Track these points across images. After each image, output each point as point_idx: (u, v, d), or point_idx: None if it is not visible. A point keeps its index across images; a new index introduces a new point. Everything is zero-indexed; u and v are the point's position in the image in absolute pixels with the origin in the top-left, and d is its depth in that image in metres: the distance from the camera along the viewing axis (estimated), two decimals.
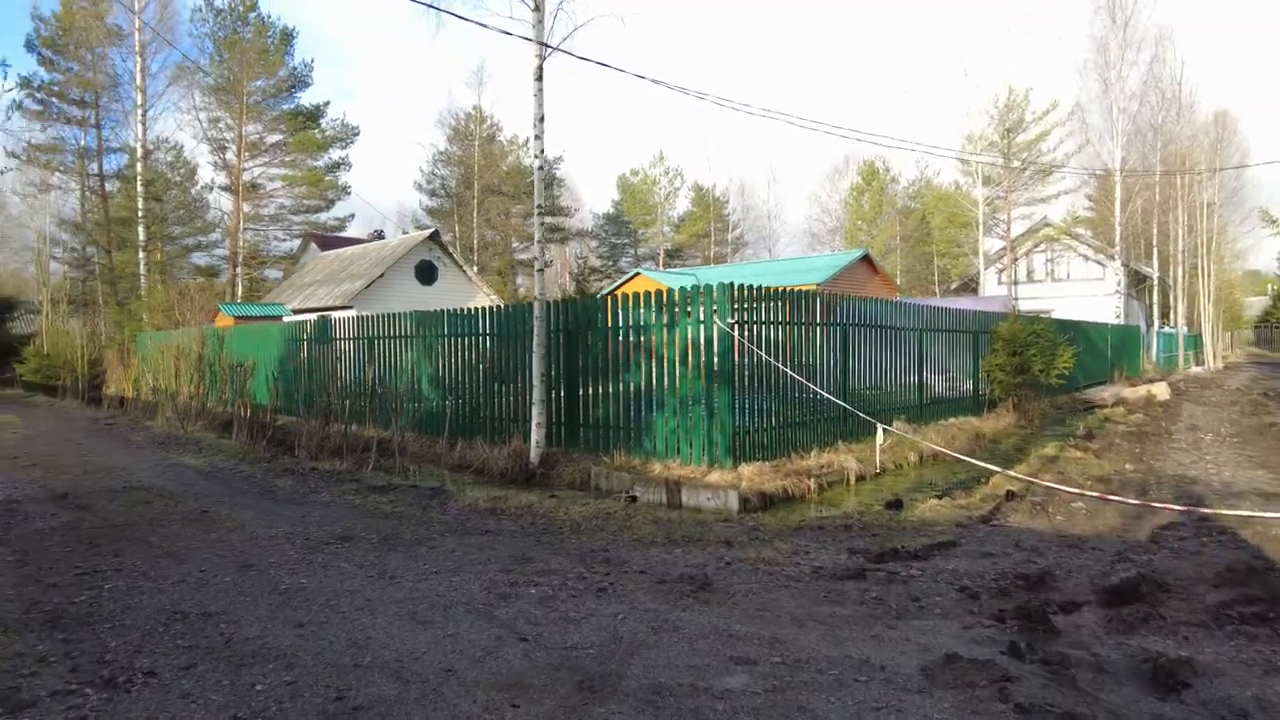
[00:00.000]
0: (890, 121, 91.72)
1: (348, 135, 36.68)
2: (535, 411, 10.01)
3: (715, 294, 8.80)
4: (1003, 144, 41.01)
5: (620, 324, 9.83)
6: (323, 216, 38.55)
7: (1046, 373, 15.11)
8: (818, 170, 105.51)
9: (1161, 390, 19.25)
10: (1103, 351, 26.15)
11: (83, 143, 32.85)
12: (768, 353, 9.31)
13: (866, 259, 33.74)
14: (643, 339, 9.60)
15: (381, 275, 23.52)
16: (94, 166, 32.99)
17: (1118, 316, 32.90)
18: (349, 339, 14.41)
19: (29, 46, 31.87)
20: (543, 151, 10.04)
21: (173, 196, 41.04)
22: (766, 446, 9.30)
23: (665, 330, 9.30)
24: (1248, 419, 14.88)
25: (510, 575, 5.11)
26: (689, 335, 9.06)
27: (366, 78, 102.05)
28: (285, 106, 34.80)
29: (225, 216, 37.79)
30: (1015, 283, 42.22)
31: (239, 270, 32.09)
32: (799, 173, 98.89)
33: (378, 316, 13.90)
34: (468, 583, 5.00)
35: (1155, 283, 39.84)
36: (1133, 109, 31.63)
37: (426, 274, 25.35)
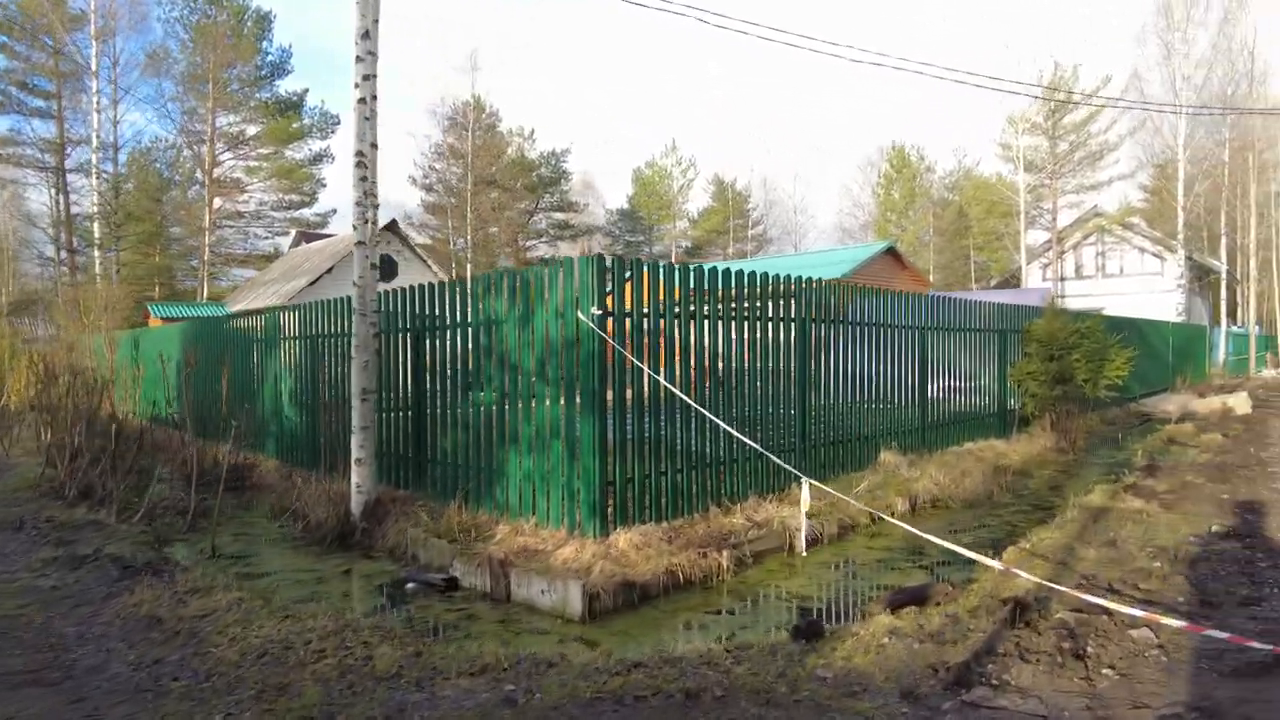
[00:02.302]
0: (927, 105, 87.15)
1: (328, 125, 34.37)
2: (355, 443, 7.15)
3: (577, 272, 5.85)
4: (1048, 125, 37.23)
5: (470, 319, 6.96)
6: (306, 213, 36.31)
7: (1093, 383, 11.83)
8: (850, 162, 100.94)
9: (1240, 401, 15.70)
10: (1163, 355, 22.49)
11: (52, 135, 31.02)
12: (660, 360, 6.34)
13: (892, 252, 30.43)
14: (494, 340, 6.70)
15: (329, 271, 20.99)
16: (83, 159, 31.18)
17: (1179, 315, 29.00)
18: (206, 343, 11.85)
19: None
20: (367, 78, 7.19)
21: (172, 198, 39.28)
22: (669, 497, 6.31)
23: (519, 327, 6.39)
24: None
25: None
26: (546, 334, 6.14)
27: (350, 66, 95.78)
28: (262, 95, 32.55)
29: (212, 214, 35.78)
30: (1062, 278, 38.30)
31: (206, 269, 29.93)
32: (830, 165, 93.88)
33: (239, 317, 11.29)
34: None
35: (1223, 277, 35.63)
36: (1198, 79, 27.75)
37: (385, 269, 22.77)
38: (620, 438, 5.92)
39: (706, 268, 6.83)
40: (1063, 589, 3.95)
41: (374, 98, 7.39)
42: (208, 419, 10.92)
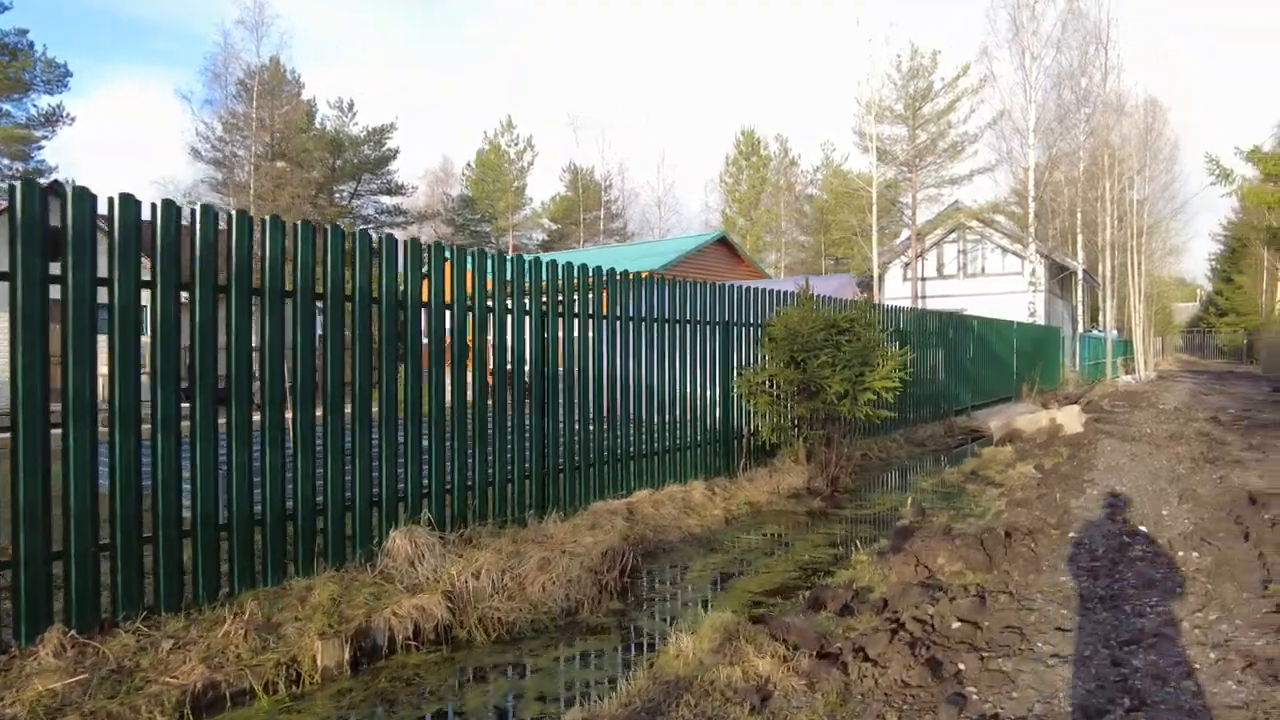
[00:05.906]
0: (791, 98, 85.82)
1: (56, 76, 28.32)
2: None
3: None
4: (907, 114, 34.91)
5: None
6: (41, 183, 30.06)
7: (853, 397, 8.24)
8: (720, 155, 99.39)
9: (1071, 418, 12.64)
10: (1005, 359, 19.70)
11: None
12: None
13: (725, 243, 27.12)
14: None
15: None
16: None
17: (1032, 315, 26.70)
18: None
19: None
20: None
21: None
22: None
23: None
24: (1204, 474, 8.24)
25: None
26: None
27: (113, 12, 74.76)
28: None
29: None
30: (923, 278, 36.02)
31: None
32: (698, 157, 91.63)
33: None
34: None
35: (1081, 277, 34.00)
36: (1047, 58, 25.45)
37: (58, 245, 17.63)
38: None
39: None
40: None
41: None
42: None
